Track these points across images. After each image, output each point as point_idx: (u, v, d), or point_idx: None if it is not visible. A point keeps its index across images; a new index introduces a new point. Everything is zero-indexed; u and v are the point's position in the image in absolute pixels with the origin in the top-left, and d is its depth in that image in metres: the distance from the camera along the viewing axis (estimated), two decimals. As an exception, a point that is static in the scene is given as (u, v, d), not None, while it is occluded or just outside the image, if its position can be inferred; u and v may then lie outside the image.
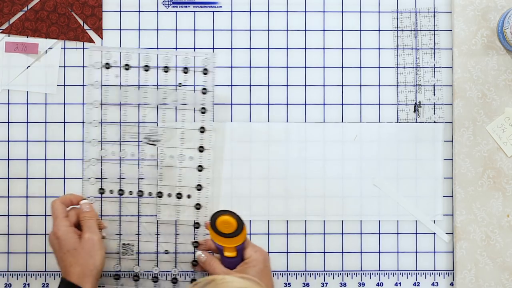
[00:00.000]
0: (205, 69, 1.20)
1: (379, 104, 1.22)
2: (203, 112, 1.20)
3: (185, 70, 1.19)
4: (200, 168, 1.19)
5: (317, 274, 1.21)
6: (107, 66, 1.20)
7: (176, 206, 1.20)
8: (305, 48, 1.23)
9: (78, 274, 1.09)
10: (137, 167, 1.20)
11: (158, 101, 1.20)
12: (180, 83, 1.17)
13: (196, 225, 1.20)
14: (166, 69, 1.19)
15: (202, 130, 1.20)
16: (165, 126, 1.20)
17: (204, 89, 1.20)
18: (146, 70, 1.19)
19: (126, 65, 1.20)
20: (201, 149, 1.19)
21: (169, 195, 1.20)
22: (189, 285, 0.94)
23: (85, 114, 1.20)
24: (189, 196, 1.20)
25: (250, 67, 1.22)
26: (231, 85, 1.22)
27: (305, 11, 1.23)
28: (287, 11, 1.23)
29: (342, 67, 1.22)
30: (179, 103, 1.20)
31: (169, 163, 1.20)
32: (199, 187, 1.19)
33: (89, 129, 1.20)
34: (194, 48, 1.22)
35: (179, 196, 1.19)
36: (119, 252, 1.20)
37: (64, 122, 1.21)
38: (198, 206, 1.20)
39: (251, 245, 1.14)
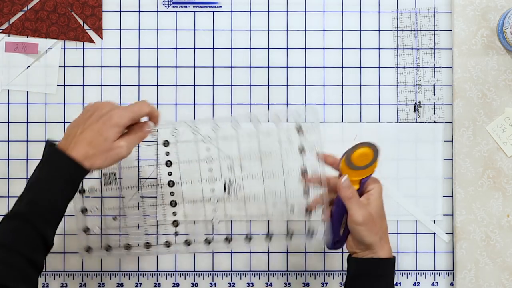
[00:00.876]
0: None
1: (379, 104, 1.22)
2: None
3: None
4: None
5: (317, 274, 1.21)
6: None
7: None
8: (305, 48, 1.23)
9: (84, 156, 0.99)
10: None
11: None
12: None
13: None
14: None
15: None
16: (248, 192, 1.15)
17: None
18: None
19: None
20: None
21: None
22: None
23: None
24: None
25: (250, 67, 1.22)
26: (231, 85, 1.22)
27: (305, 11, 1.23)
28: (287, 11, 1.23)
29: (342, 67, 1.22)
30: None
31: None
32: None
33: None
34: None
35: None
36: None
37: (64, 122, 1.21)
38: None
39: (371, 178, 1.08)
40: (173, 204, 1.17)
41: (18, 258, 0.95)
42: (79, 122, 1.02)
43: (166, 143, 1.15)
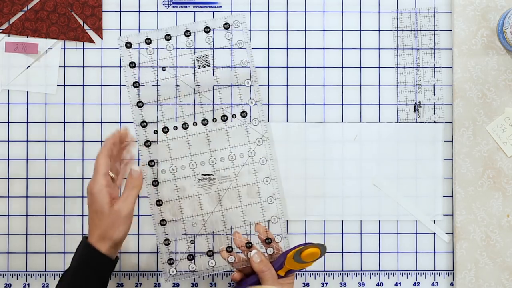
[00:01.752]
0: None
1: (379, 104, 1.22)
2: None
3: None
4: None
5: (317, 274, 1.21)
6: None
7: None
8: (305, 48, 1.23)
9: (97, 237, 1.05)
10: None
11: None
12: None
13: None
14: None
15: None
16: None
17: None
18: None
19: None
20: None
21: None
22: None
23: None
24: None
25: (250, 67, 1.22)
26: (231, 85, 1.22)
27: (305, 11, 1.23)
28: (287, 11, 1.23)
29: (342, 67, 1.22)
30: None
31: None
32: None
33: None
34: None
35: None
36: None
37: (64, 122, 1.21)
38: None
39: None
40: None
41: None
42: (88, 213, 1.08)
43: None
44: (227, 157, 1.18)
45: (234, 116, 1.17)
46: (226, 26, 1.16)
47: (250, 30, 1.22)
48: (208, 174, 1.17)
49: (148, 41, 1.15)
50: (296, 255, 1.08)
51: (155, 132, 1.18)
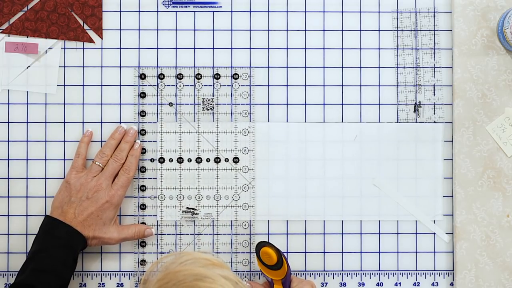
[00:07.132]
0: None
1: (379, 104, 1.22)
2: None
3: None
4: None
5: (317, 274, 1.21)
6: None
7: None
8: (305, 48, 1.23)
9: (78, 223, 1.13)
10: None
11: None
12: None
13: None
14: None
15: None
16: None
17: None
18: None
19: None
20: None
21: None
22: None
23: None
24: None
25: (250, 67, 1.22)
26: (231, 85, 1.22)
27: (305, 11, 1.23)
28: (287, 11, 1.23)
29: (342, 67, 1.22)
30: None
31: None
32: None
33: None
34: (195, 48, 1.22)
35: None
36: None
37: (64, 122, 1.21)
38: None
39: (296, 279, 1.16)
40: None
41: None
42: (71, 199, 1.15)
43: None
44: (213, 196, 1.21)
45: (226, 160, 1.20)
46: (235, 77, 1.20)
47: (250, 30, 1.22)
48: (193, 208, 1.20)
49: (161, 76, 1.20)
50: (257, 254, 1.12)
51: (152, 160, 1.21)
